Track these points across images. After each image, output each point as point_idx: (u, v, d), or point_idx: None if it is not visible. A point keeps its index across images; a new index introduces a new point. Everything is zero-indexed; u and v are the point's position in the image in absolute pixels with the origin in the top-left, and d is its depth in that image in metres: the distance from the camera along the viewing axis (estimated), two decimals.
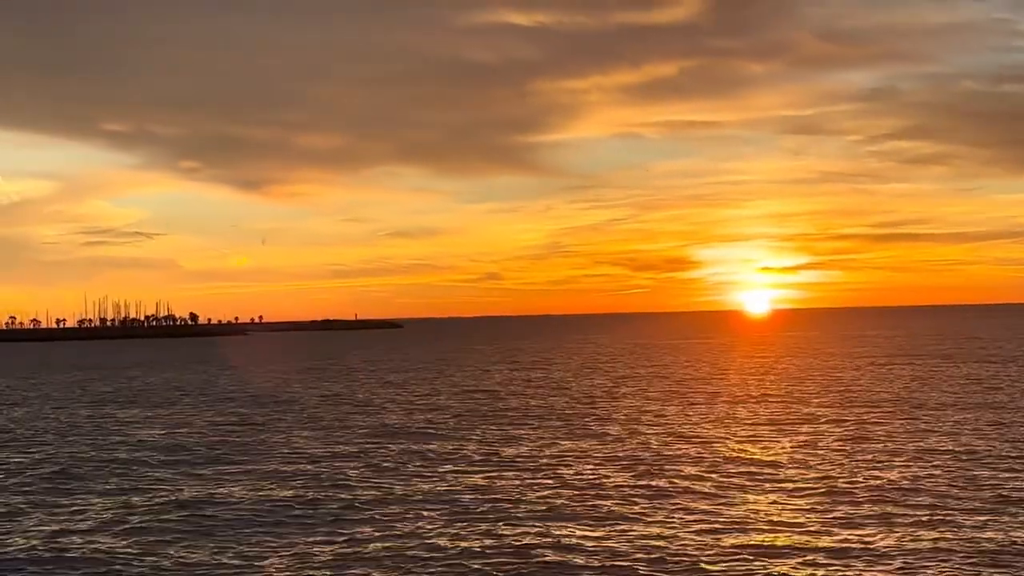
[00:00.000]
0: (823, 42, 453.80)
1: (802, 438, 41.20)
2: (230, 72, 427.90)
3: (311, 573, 22.17)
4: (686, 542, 23.93)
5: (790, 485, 30.69)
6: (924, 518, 25.79)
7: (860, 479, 31.37)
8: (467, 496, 29.92)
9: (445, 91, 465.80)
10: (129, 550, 24.40)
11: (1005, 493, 28.70)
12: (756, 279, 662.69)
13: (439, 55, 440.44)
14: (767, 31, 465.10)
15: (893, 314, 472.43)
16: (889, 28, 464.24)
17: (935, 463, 34.09)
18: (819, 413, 50.40)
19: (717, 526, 25.48)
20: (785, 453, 37.17)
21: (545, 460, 36.65)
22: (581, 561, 22.50)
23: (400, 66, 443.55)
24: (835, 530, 24.79)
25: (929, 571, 21.27)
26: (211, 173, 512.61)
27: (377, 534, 25.42)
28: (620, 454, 37.81)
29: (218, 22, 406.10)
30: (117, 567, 23.11)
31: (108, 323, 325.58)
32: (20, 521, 28.08)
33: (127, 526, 26.98)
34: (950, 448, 37.41)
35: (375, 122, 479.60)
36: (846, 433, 42.40)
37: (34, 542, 25.49)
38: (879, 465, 33.92)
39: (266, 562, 23.04)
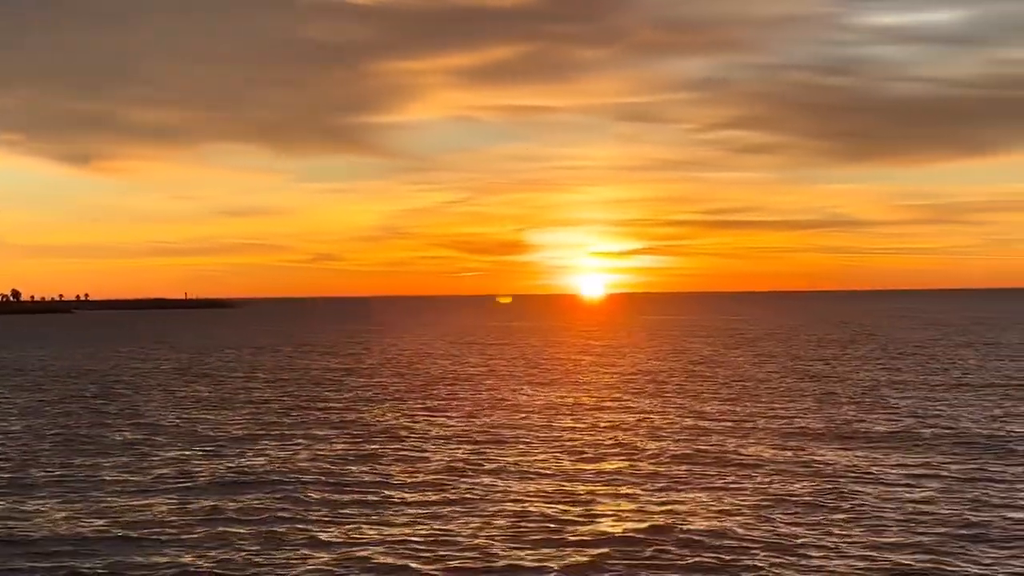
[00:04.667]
0: (658, 30, 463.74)
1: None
2: (62, 46, 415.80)
3: None
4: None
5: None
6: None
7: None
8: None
9: (283, 70, 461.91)
10: None
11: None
12: (590, 263, 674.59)
13: (278, 34, 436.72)
14: (604, 18, 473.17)
15: (724, 300, 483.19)
16: (722, 17, 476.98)
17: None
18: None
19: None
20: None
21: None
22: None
23: (239, 44, 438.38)
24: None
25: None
26: (33, 146, 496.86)
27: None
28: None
29: None
30: None
31: None
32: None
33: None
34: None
35: (212, 99, 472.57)
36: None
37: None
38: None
39: None
